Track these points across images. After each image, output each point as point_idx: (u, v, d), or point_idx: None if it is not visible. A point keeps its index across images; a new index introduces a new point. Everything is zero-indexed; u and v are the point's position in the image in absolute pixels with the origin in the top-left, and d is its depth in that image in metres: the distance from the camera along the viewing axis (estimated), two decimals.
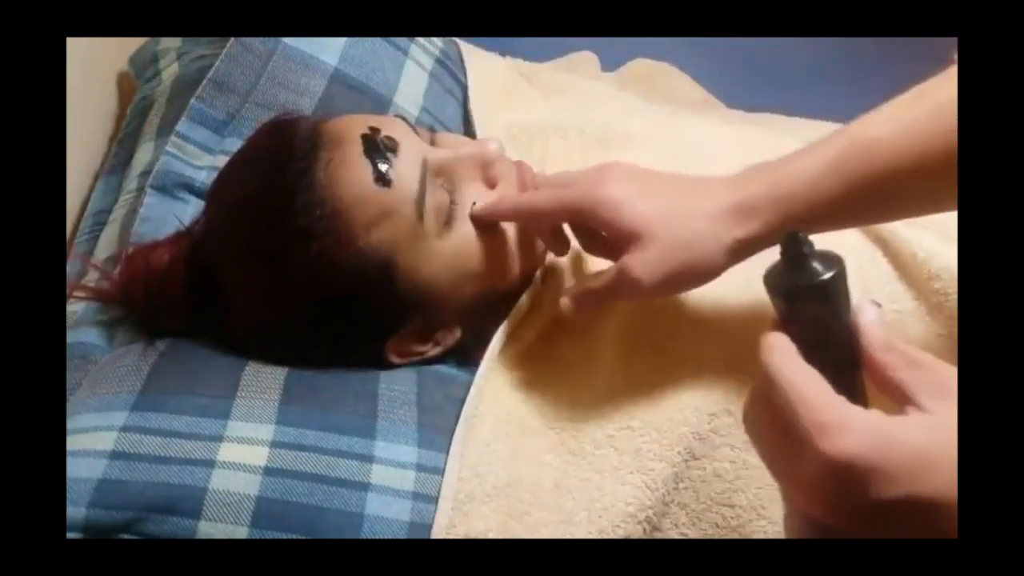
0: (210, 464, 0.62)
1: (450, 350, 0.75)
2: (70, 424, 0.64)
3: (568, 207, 0.68)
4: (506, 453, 0.67)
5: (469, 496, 0.65)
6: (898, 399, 0.44)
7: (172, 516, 0.61)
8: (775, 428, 0.44)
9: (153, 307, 0.74)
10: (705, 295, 0.68)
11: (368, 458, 0.65)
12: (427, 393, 0.71)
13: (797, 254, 0.46)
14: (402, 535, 0.63)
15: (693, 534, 0.67)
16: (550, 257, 0.77)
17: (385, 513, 0.63)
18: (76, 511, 0.60)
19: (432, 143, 0.74)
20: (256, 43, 0.88)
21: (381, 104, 0.90)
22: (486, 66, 1.03)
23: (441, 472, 0.65)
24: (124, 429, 0.63)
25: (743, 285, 0.65)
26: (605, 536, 0.65)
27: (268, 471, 0.63)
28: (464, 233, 0.71)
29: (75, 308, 0.79)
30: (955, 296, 0.70)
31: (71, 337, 0.75)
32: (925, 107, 0.59)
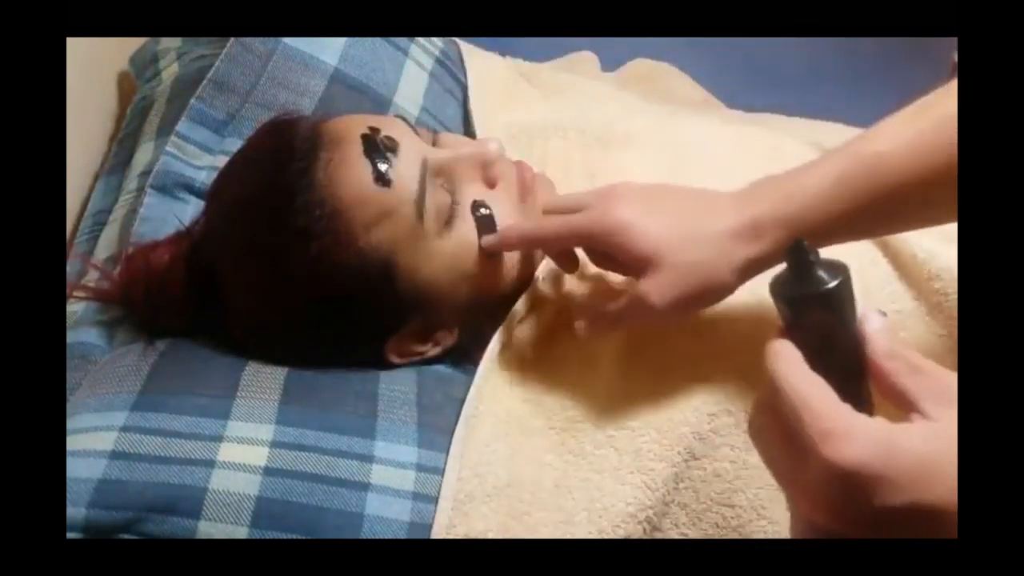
0: (210, 464, 0.62)
1: (450, 350, 0.75)
2: (70, 424, 0.64)
3: (578, 234, 0.67)
4: (506, 453, 0.67)
5: (469, 496, 0.65)
6: (902, 406, 0.44)
7: (172, 516, 0.61)
8: (780, 435, 0.44)
9: (153, 307, 0.74)
10: None
11: (368, 458, 0.65)
12: (427, 393, 0.71)
13: (803, 262, 0.46)
14: (402, 535, 0.63)
15: (693, 534, 0.67)
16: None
17: (385, 513, 0.63)
18: (76, 511, 0.60)
19: (434, 143, 0.74)
20: (256, 43, 0.88)
21: (381, 104, 0.90)
22: (486, 66, 1.03)
23: (441, 472, 0.65)
24: (124, 429, 0.63)
25: (743, 287, 0.65)
26: (605, 536, 0.65)
27: (268, 471, 0.63)
28: (464, 233, 0.71)
29: (75, 308, 0.79)
30: (955, 296, 0.70)
31: (71, 337, 0.75)
32: (930, 120, 0.59)
